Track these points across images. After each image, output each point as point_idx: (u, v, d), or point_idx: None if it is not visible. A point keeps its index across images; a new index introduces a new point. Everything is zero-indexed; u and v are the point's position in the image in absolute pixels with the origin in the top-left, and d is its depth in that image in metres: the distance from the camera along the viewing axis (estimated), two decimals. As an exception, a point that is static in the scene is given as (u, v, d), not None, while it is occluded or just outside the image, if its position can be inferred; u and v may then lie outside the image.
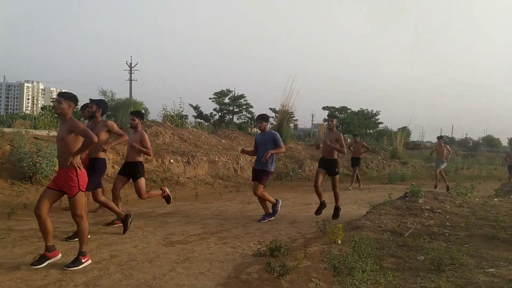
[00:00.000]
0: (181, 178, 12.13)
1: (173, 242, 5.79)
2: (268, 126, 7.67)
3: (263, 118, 7.50)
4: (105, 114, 6.80)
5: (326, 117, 7.98)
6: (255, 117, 7.94)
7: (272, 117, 52.39)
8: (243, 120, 56.62)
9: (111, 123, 6.22)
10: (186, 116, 33.00)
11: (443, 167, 14.45)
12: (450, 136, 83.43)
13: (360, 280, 3.67)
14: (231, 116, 57.49)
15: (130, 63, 47.86)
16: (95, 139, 4.57)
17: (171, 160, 12.63)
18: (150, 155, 7.05)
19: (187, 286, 4.12)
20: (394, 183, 17.25)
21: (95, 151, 5.98)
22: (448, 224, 6.01)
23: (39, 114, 37.62)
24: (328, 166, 7.69)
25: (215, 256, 5.16)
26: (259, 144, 7.51)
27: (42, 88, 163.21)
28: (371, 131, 63.80)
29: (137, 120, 6.78)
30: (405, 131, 27.54)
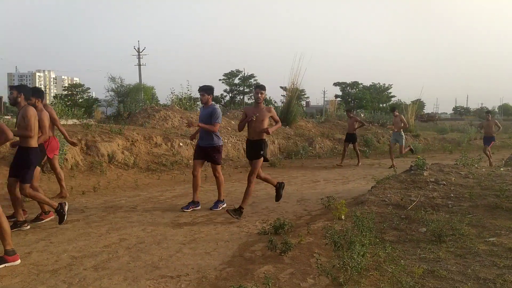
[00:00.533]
0: (190, 161, 12.25)
1: (180, 224, 5.92)
2: (212, 99, 6.90)
3: (204, 89, 6.76)
4: (31, 99, 5.69)
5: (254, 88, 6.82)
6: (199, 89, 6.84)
7: (283, 95, 52.26)
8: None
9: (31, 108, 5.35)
10: (197, 98, 33.14)
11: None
12: (465, 106, 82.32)
13: (358, 253, 3.75)
14: (241, 97, 57.44)
15: (138, 48, 47.97)
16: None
17: (180, 144, 12.76)
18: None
19: (193, 265, 4.24)
20: (406, 157, 17.17)
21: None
22: (452, 195, 6.03)
23: (51, 103, 38.09)
24: (252, 148, 6.36)
25: (221, 236, 5.28)
26: (200, 119, 6.82)
27: (54, 77, 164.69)
28: (384, 105, 63.23)
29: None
30: (417, 103, 27.20)
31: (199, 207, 6.91)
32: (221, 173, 7.07)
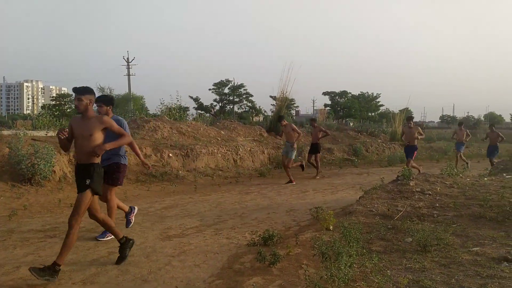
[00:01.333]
0: (180, 172, 12.28)
1: (170, 236, 5.94)
2: (112, 110, 5.77)
3: (102, 100, 5.62)
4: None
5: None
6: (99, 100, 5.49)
7: (273, 104, 52.47)
8: (244, 110, 56.71)
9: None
10: (187, 108, 33.17)
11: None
12: (451, 115, 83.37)
13: (345, 264, 3.81)
14: (231, 106, 57.56)
15: (127, 58, 47.96)
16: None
17: (170, 154, 12.77)
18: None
19: (182, 278, 4.27)
20: (394, 166, 17.35)
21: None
22: (437, 205, 6.13)
23: (38, 114, 37.80)
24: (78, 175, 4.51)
25: (210, 248, 5.31)
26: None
27: (42, 87, 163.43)
28: (372, 114, 63.78)
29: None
30: (404, 112, 27.53)
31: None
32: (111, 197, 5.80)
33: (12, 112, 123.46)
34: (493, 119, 77.07)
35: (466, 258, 4.30)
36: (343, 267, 3.76)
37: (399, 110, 30.25)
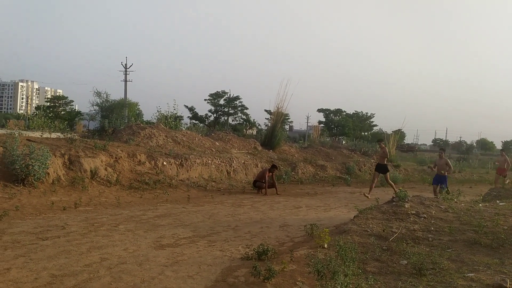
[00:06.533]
0: (173, 181, 12.22)
1: (163, 245, 5.89)
2: None
3: None
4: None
5: None
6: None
7: (267, 118, 52.52)
8: (238, 122, 56.70)
9: None
10: (181, 117, 33.11)
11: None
12: (444, 139, 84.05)
13: (341, 284, 3.79)
14: (226, 118, 57.56)
15: (125, 64, 47.80)
16: None
17: (164, 163, 12.72)
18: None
19: (175, 289, 4.22)
20: (386, 186, 17.40)
21: None
22: (432, 228, 6.15)
23: (33, 114, 37.54)
24: None
25: (204, 259, 5.26)
26: None
27: (37, 87, 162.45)
28: (366, 133, 64.10)
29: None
30: (398, 133, 27.75)
31: None
32: None
33: (4, 111, 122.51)
34: (484, 145, 77.87)
35: (461, 283, 4.30)
36: (339, 286, 3.75)
37: (393, 131, 30.53)
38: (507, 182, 14.52)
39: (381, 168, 13.12)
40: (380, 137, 19.69)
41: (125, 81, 47.13)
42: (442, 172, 12.37)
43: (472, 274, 4.55)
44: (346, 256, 4.69)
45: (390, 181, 13.40)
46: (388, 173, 13.32)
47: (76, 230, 6.40)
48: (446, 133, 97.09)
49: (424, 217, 6.54)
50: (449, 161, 12.92)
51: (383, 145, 13.52)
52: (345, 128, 58.96)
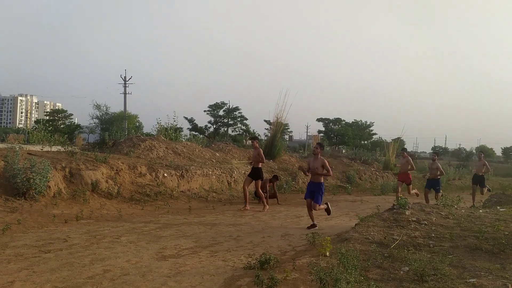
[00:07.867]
0: (174, 192, 12.24)
1: (165, 256, 5.90)
2: None
3: None
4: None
5: None
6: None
7: (267, 128, 52.64)
8: (238, 132, 56.81)
9: None
10: (181, 128, 33.21)
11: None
12: (443, 146, 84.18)
13: (344, 291, 3.81)
14: (225, 129, 57.67)
15: (125, 77, 48.05)
16: None
17: (165, 174, 12.75)
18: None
19: (178, 299, 4.23)
20: (387, 194, 17.44)
21: None
22: (433, 235, 6.17)
23: (32, 128, 37.59)
24: None
25: (206, 270, 5.28)
26: None
27: (36, 101, 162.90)
28: (365, 142, 64.24)
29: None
30: (398, 142, 27.83)
31: None
32: None
33: (4, 126, 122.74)
34: (484, 152, 77.94)
35: (463, 289, 4.31)
36: (342, 294, 3.77)
37: (392, 139, 30.63)
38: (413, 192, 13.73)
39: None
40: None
41: (125, 93, 47.36)
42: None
43: (474, 280, 4.57)
44: (348, 264, 4.71)
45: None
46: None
47: (78, 243, 6.42)
48: (446, 140, 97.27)
49: (425, 224, 6.57)
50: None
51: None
52: (344, 137, 59.10)
